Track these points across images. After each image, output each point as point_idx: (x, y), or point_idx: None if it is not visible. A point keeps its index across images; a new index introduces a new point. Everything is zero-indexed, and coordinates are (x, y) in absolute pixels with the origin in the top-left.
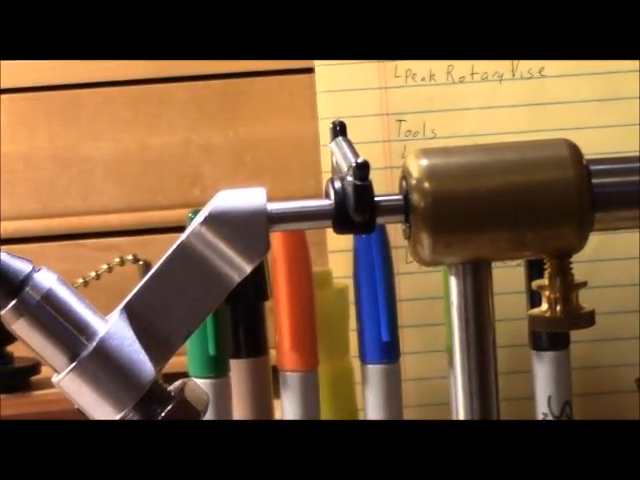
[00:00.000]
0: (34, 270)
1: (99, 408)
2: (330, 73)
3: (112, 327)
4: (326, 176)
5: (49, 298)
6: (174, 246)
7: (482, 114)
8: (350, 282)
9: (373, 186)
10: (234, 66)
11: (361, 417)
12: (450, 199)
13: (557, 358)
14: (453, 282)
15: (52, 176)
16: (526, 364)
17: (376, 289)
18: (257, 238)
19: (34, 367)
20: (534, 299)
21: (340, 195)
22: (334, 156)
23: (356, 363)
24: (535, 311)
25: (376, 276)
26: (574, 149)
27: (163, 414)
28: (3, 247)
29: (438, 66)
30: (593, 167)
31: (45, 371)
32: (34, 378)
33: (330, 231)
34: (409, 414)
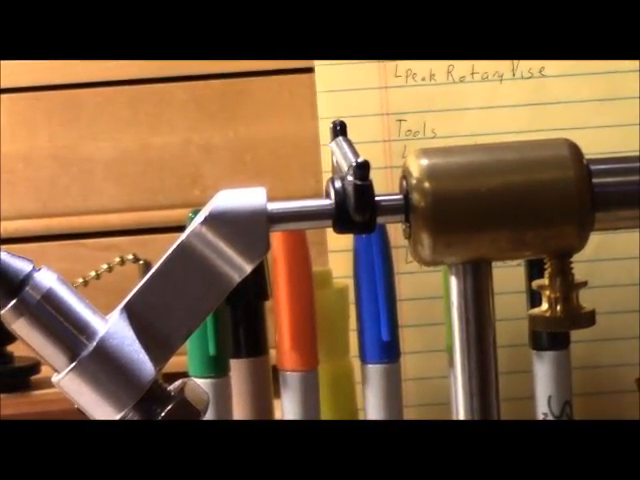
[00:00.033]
0: (34, 270)
1: (99, 408)
2: (330, 73)
3: (112, 327)
4: (326, 176)
5: (49, 298)
6: (174, 246)
7: (482, 114)
8: (350, 282)
9: (373, 186)
10: (234, 66)
11: (361, 417)
12: (450, 199)
13: (557, 358)
14: (453, 282)
15: (52, 176)
16: (526, 364)
17: (376, 289)
18: (257, 238)
19: (34, 367)
20: (534, 299)
21: (340, 195)
22: (334, 156)
23: (356, 363)
24: (535, 311)
25: (376, 276)
26: (574, 149)
27: (163, 414)
28: (3, 247)
29: (438, 66)
30: (593, 167)
31: (45, 371)
32: (34, 378)
33: (330, 231)
34: (409, 414)
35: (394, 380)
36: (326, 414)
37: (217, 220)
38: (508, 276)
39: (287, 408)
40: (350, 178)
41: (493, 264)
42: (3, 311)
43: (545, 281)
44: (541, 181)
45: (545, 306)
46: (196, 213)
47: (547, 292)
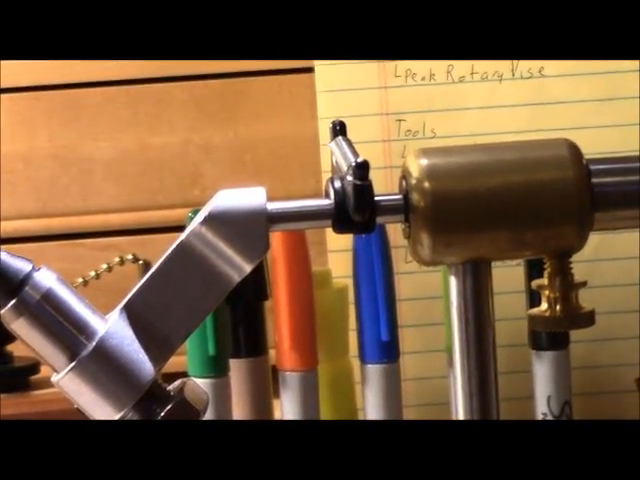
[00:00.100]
0: (34, 270)
1: (98, 408)
2: (330, 73)
3: (112, 327)
4: (326, 176)
5: (49, 297)
6: (174, 246)
7: (482, 114)
8: (350, 282)
9: (373, 186)
10: (234, 66)
11: (361, 417)
12: (450, 199)
13: (557, 358)
14: (453, 282)
15: (52, 176)
16: (526, 364)
17: (376, 289)
18: (257, 238)
19: (33, 367)
20: (534, 299)
21: (340, 195)
22: (334, 156)
23: (356, 363)
24: (535, 311)
25: (376, 276)
26: (574, 149)
27: (163, 414)
28: (3, 247)
29: (438, 66)
30: (593, 167)
31: (44, 371)
32: (33, 378)
33: (330, 231)
34: (409, 414)
35: (393, 380)
36: (325, 414)
37: (217, 220)
38: (507, 276)
39: (286, 408)
40: (350, 178)
41: (492, 264)
42: (3, 311)
43: (544, 281)
44: (540, 181)
45: (544, 306)
46: (196, 213)
47: (546, 292)
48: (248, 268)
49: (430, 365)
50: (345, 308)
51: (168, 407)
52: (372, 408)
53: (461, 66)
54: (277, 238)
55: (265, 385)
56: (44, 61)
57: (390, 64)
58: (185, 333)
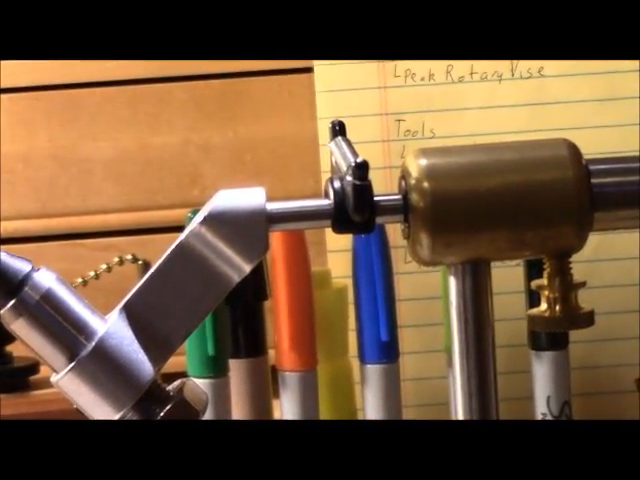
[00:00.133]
0: (33, 270)
1: (98, 408)
2: (329, 73)
3: (111, 327)
4: (325, 176)
5: (48, 298)
6: (173, 246)
7: (481, 114)
8: (349, 282)
9: (372, 186)
10: (233, 66)
11: (360, 417)
12: (449, 199)
13: (556, 358)
14: (452, 282)
15: (51, 176)
16: (525, 364)
17: (375, 289)
18: (256, 238)
19: (33, 367)
20: (533, 299)
21: (339, 195)
22: (333, 156)
23: (355, 363)
24: (534, 311)
25: (375, 276)
26: (573, 149)
27: (162, 414)
28: (2, 247)
29: (437, 66)
30: (592, 167)
31: (44, 371)
32: (33, 378)
33: (329, 231)
34: (408, 414)
35: (393, 380)
36: (325, 414)
37: (216, 220)
38: (507, 276)
39: (286, 408)
40: (349, 178)
41: (492, 264)
42: (2, 311)
43: (544, 281)
44: (540, 181)
45: (544, 306)
46: (195, 213)
47: (546, 292)
48: (247, 268)
49: (429, 365)
50: (344, 308)
51: (167, 407)
52: (371, 408)
53: (460, 66)
54: (276, 238)
55: (264, 385)
56: (44, 61)
57: (389, 64)
58: (185, 333)
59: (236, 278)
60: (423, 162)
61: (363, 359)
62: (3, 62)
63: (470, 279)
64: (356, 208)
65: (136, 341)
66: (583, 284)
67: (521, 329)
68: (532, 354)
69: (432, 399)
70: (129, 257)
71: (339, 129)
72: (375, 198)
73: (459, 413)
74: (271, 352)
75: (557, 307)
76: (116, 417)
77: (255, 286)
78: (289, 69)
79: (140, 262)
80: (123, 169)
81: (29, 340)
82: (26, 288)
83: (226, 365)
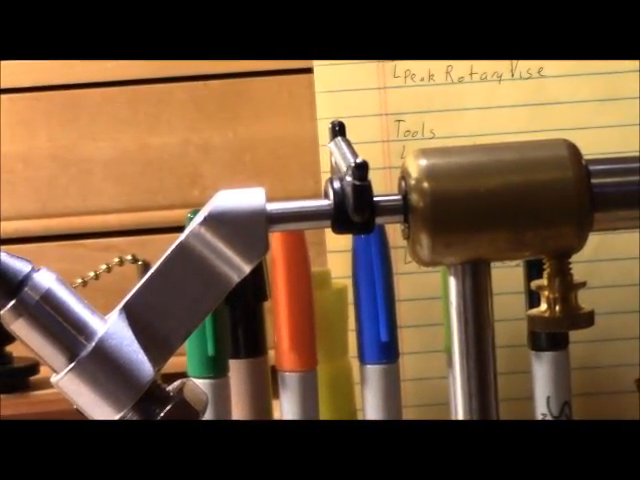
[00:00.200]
0: (33, 270)
1: (98, 408)
2: (329, 73)
3: (111, 327)
4: (325, 176)
5: (48, 298)
6: (173, 246)
7: (481, 114)
8: (349, 282)
9: (372, 186)
10: (234, 66)
11: (360, 417)
12: (449, 199)
13: (556, 358)
14: (452, 282)
15: (51, 176)
16: (525, 364)
17: (375, 289)
18: (256, 238)
19: (33, 367)
20: (533, 299)
21: (339, 195)
22: (333, 156)
23: (355, 363)
24: (534, 311)
25: (375, 276)
26: (573, 149)
27: (162, 414)
28: (2, 247)
29: (437, 66)
30: (592, 167)
31: (44, 371)
32: (33, 378)
33: (329, 231)
34: (408, 414)
35: (393, 380)
36: (325, 414)
37: (216, 220)
38: (507, 276)
39: (286, 408)
40: (349, 178)
41: (492, 264)
42: (2, 312)
43: (544, 281)
44: (540, 181)
45: (544, 306)
46: (195, 213)
47: (546, 292)
48: (247, 269)
49: (429, 365)
50: (344, 308)
51: (167, 407)
52: (371, 408)
53: (460, 66)
54: (276, 239)
55: (264, 385)
56: (44, 61)
57: (389, 64)
58: (184, 333)
59: (236, 278)
60: (423, 162)
61: (363, 359)
62: (3, 62)
63: (470, 279)
64: (356, 208)
65: (136, 341)
66: (583, 284)
67: (521, 329)
68: (532, 354)
69: (432, 399)
70: (129, 257)
71: (339, 129)
72: (375, 198)
73: (459, 413)
74: (271, 352)
75: (557, 307)
76: (116, 417)
77: (255, 286)
78: (289, 69)
79: (140, 262)
80: (123, 169)
81: (29, 340)
82: (26, 288)
83: (226, 365)
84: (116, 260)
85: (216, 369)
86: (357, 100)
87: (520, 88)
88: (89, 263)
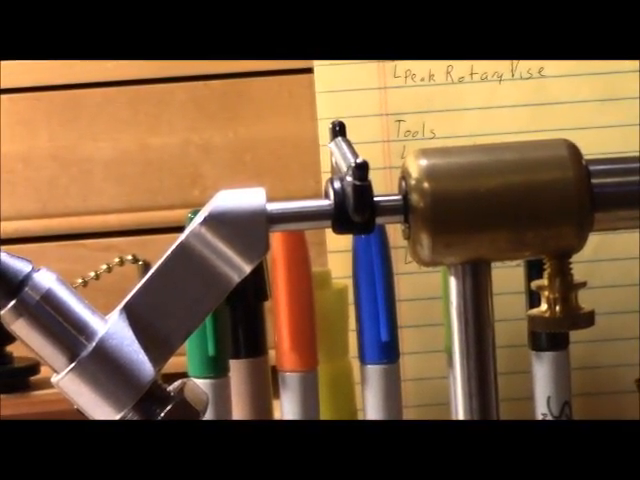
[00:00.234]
0: (33, 270)
1: (98, 408)
2: (329, 73)
3: (111, 327)
4: (325, 176)
5: (48, 298)
6: (173, 246)
7: (481, 114)
8: (349, 282)
9: (372, 186)
10: (234, 66)
11: (360, 417)
12: (449, 199)
13: (556, 358)
14: (452, 282)
15: (52, 176)
16: (525, 364)
17: (375, 289)
18: (257, 238)
19: (33, 367)
20: (533, 299)
21: (339, 195)
22: (333, 156)
23: (355, 363)
24: (534, 311)
25: (375, 276)
26: (573, 149)
27: (162, 414)
28: (3, 247)
29: (437, 66)
30: (593, 167)
31: (44, 371)
32: (33, 378)
33: (329, 231)
34: (408, 414)
35: (393, 380)
36: (325, 414)
37: (216, 220)
38: (507, 276)
39: (286, 408)
40: (349, 178)
41: (492, 264)
42: (2, 312)
43: (544, 281)
44: (540, 181)
45: (544, 307)
46: (195, 213)
47: (546, 293)
48: (248, 269)
49: (430, 366)
50: (345, 309)
51: (168, 407)
52: (372, 408)
53: (460, 66)
54: (277, 239)
55: (265, 385)
56: (44, 61)
57: (389, 65)
58: (185, 333)
59: (236, 278)
60: (423, 162)
61: (363, 359)
62: (3, 62)
63: (470, 279)
64: (356, 208)
65: (136, 341)
66: (583, 284)
67: (521, 329)
68: (532, 354)
69: (432, 399)
70: (129, 257)
71: (339, 129)
72: (375, 198)
73: (459, 413)
74: (271, 352)
75: (557, 307)
76: (117, 417)
77: (255, 286)
78: (289, 69)
79: (140, 262)
80: (123, 169)
81: (29, 340)
82: (26, 288)
83: (226, 365)
84: (116, 260)
85: (216, 369)
86: (357, 100)
87: (520, 88)
88: (89, 263)
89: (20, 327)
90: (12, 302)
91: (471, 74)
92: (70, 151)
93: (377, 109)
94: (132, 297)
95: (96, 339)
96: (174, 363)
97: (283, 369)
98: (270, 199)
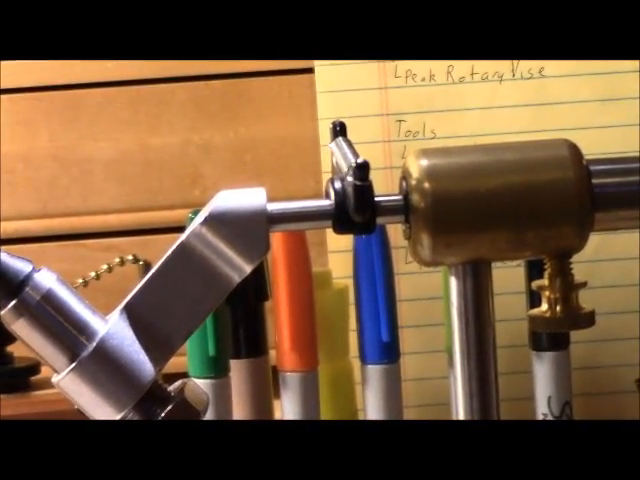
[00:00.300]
0: (34, 270)
1: (99, 408)
2: (330, 73)
3: (112, 327)
4: (326, 176)
5: (49, 298)
6: (174, 246)
7: (482, 114)
8: (350, 282)
9: (373, 186)
10: (234, 66)
11: (361, 417)
12: (450, 199)
13: (557, 358)
14: (453, 282)
15: (52, 176)
16: (526, 364)
17: (376, 289)
18: (257, 238)
19: (34, 367)
20: (534, 299)
21: (340, 195)
22: (334, 156)
23: (356, 363)
24: (535, 311)
25: (376, 276)
26: (574, 149)
27: (163, 414)
28: (3, 247)
29: (438, 66)
30: (593, 167)
31: (45, 371)
32: (34, 378)
33: (330, 231)
34: (409, 414)
35: (394, 380)
36: (326, 414)
37: (217, 220)
38: (508, 277)
39: (287, 408)
40: (350, 179)
41: (493, 264)
42: (3, 312)
43: (545, 282)
44: (541, 181)
45: (545, 307)
46: (196, 213)
47: (547, 293)
48: (248, 269)
49: (430, 366)
50: (345, 309)
51: (168, 407)
52: (372, 408)
53: (461, 66)
54: (277, 239)
55: (265, 386)
56: (44, 61)
57: (390, 65)
58: (185, 334)
59: (237, 278)
60: (424, 162)
61: (364, 359)
62: (3, 62)
63: (471, 279)
64: (357, 208)
65: (137, 341)
66: (584, 284)
67: (522, 329)
68: (533, 354)
69: (433, 399)
70: (130, 257)
71: (340, 130)
72: (376, 198)
73: (460, 413)
74: (272, 352)
75: (558, 307)
76: (117, 417)
77: (256, 286)
78: (290, 70)
79: (141, 262)
80: (124, 169)
81: (30, 340)
82: (27, 288)
83: (227, 365)
84: (117, 260)
85: (217, 369)
86: (358, 100)
87: (521, 88)
88: (90, 263)
89: (21, 327)
90: (13, 302)
91: (472, 74)
92: (70, 151)
93: (378, 109)
94: (133, 297)
95: (97, 339)
96: (174, 363)
97: (284, 369)
98: (270, 199)
